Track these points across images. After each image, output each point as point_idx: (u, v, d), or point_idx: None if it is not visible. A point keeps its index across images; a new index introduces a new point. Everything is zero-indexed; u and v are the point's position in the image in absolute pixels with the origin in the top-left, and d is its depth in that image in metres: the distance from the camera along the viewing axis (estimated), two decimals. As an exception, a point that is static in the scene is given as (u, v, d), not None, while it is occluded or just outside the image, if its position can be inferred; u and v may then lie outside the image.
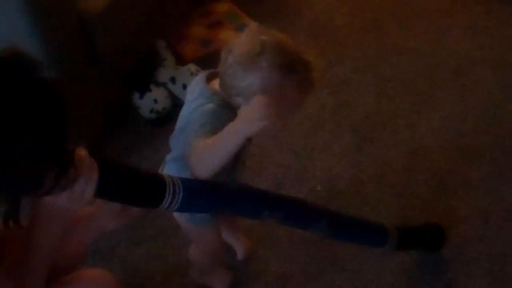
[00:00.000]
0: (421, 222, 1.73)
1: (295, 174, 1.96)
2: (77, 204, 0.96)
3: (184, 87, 2.13)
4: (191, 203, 1.16)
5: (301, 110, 1.26)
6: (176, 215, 1.42)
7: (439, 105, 2.17)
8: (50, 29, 1.67)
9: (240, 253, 1.76)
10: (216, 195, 1.21)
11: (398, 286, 1.69)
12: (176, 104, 2.14)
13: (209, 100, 1.23)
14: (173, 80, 2.14)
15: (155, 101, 2.10)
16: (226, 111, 1.21)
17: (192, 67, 2.17)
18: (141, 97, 2.10)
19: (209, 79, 1.29)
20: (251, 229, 1.80)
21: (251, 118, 1.11)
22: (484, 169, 1.96)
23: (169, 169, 1.37)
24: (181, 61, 2.23)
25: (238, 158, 1.30)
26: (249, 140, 1.32)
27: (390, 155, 2.01)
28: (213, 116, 1.21)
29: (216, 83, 1.27)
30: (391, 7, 2.58)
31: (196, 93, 1.28)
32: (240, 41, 1.20)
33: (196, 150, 1.16)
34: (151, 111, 2.11)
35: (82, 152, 0.96)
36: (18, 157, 0.84)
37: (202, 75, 1.31)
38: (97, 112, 1.99)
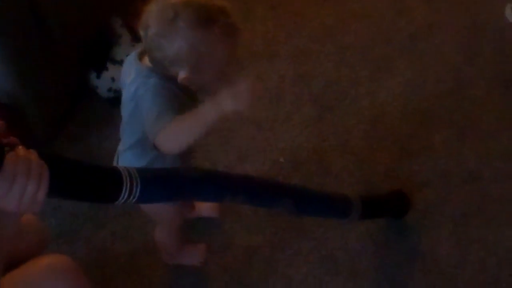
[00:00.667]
0: (385, 190, 1.75)
1: (257, 147, 1.96)
2: (30, 208, 0.92)
3: (141, 64, 2.09)
4: (150, 194, 1.11)
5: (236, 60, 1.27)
6: None
7: (398, 71, 2.18)
8: (1, 11, 1.61)
9: (213, 213, 1.76)
10: (176, 183, 1.17)
11: (364, 252, 1.71)
12: (134, 82, 2.10)
13: (149, 76, 1.21)
14: (129, 57, 2.10)
15: (113, 79, 2.06)
16: (169, 82, 1.20)
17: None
18: (98, 76, 2.06)
19: (140, 58, 1.27)
20: (213, 204, 1.79)
21: (227, 102, 1.12)
22: (445, 132, 1.98)
23: (124, 160, 1.35)
24: (137, 38, 2.17)
25: None
26: None
27: (351, 123, 2.02)
28: (161, 89, 1.19)
29: (147, 61, 1.25)
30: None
31: (132, 74, 1.25)
32: (152, 12, 1.18)
33: (168, 129, 1.14)
34: (109, 90, 2.07)
35: (32, 155, 0.91)
36: None
37: (132, 56, 1.29)
38: (54, 93, 1.95)
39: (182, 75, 1.18)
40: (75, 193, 1.03)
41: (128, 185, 1.06)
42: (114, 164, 1.39)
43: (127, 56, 2.05)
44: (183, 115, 1.15)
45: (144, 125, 1.20)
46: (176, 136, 1.16)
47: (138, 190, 1.07)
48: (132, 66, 1.26)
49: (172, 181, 1.17)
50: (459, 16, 2.36)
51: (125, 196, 1.06)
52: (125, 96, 1.28)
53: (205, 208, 1.76)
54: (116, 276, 1.69)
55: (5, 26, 1.65)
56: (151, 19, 1.17)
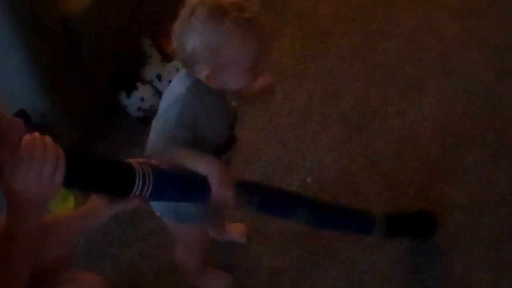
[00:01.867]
0: (412, 209, 1.72)
1: (284, 167, 1.94)
2: (48, 189, 0.95)
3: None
4: (163, 190, 1.14)
5: (267, 57, 1.21)
6: (162, 213, 1.40)
7: (428, 90, 2.15)
8: (33, 31, 1.65)
9: (240, 238, 1.75)
10: (188, 182, 1.18)
11: (393, 276, 1.67)
12: (163, 102, 2.12)
13: (181, 81, 1.22)
14: (159, 77, 2.12)
15: (142, 99, 2.08)
16: (196, 93, 1.19)
17: (178, 63, 2.14)
18: (128, 96, 2.08)
19: None
20: (240, 221, 1.79)
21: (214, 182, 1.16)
22: (477, 153, 1.94)
23: None
24: (166, 58, 2.20)
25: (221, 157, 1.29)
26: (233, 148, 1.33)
27: (380, 144, 1.99)
28: (182, 101, 1.19)
29: None
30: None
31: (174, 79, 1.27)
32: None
33: (162, 140, 1.19)
34: (139, 109, 2.09)
35: (46, 139, 0.96)
36: None
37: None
38: (84, 112, 1.98)
39: (203, 73, 1.17)
40: (89, 182, 1.07)
41: (141, 177, 1.09)
42: None
43: (156, 75, 2.11)
44: (181, 147, 1.17)
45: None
46: (163, 151, 1.19)
47: (152, 183, 1.10)
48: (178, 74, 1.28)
49: (184, 178, 1.19)
50: (491, 34, 2.32)
51: (139, 188, 1.09)
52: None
53: (234, 232, 1.76)
54: (142, 296, 1.70)
55: (39, 48, 1.69)
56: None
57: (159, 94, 2.12)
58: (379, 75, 2.21)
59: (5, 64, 1.72)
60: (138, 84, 2.09)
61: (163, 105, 1.24)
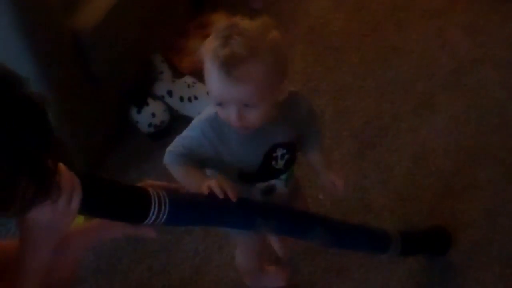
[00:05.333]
0: (425, 226, 1.70)
1: (296, 183, 1.93)
2: (64, 218, 0.93)
3: (181, 99, 2.11)
4: (178, 216, 1.13)
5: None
6: None
7: (441, 106, 2.14)
8: (44, 46, 1.66)
9: (282, 253, 1.73)
10: (205, 207, 1.17)
11: (406, 294, 1.65)
12: (174, 117, 2.12)
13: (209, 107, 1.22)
14: (170, 93, 2.12)
15: (153, 115, 2.08)
16: (215, 123, 1.18)
17: (189, 79, 2.15)
18: (139, 111, 2.08)
19: None
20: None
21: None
22: (490, 170, 1.92)
23: None
24: (177, 74, 2.20)
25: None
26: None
27: (393, 160, 1.98)
28: (195, 127, 1.21)
29: None
30: (388, 9, 2.54)
31: None
32: None
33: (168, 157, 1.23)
34: (149, 125, 2.09)
35: (61, 167, 0.93)
36: None
37: None
38: (94, 128, 1.98)
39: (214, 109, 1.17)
40: (105, 209, 1.06)
41: (157, 204, 1.08)
42: None
43: (167, 91, 2.11)
44: (184, 167, 1.21)
45: None
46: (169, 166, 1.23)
47: (167, 210, 1.09)
48: None
49: (201, 203, 1.17)
50: (503, 50, 2.31)
51: (154, 215, 1.08)
52: None
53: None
54: (152, 312, 1.68)
55: (50, 62, 1.69)
56: None
57: (170, 110, 2.12)
58: (391, 91, 2.20)
59: (15, 78, 1.73)
60: (149, 100, 2.09)
61: None
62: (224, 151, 1.20)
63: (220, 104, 1.11)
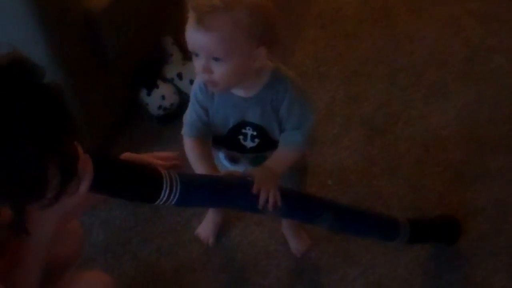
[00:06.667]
0: (435, 215, 1.69)
1: (305, 168, 1.92)
2: (72, 199, 0.94)
3: (191, 82, 2.09)
4: (190, 196, 1.14)
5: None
6: None
7: (453, 94, 2.12)
8: (55, 26, 1.65)
9: (296, 249, 1.73)
10: (215, 188, 1.18)
11: (412, 280, 1.65)
12: (184, 100, 2.11)
13: None
14: (180, 76, 2.11)
15: (163, 97, 2.07)
16: (198, 85, 1.28)
17: (199, 62, 2.14)
18: (148, 94, 2.08)
19: None
20: (260, 223, 1.77)
21: None
22: (501, 159, 1.91)
23: None
24: (188, 56, 2.19)
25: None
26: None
27: (403, 147, 1.96)
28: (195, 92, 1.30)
29: None
30: (402, -4, 2.53)
31: None
32: None
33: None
34: (159, 107, 2.09)
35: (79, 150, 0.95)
36: (20, 162, 0.82)
37: None
38: (105, 110, 1.97)
39: None
40: (116, 189, 1.07)
41: (169, 184, 1.10)
42: None
43: (177, 74, 2.10)
44: (195, 147, 1.30)
45: None
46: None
47: (179, 189, 1.11)
48: None
49: (211, 184, 1.19)
50: (517, 39, 2.29)
51: (166, 195, 1.10)
52: None
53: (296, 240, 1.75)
54: (160, 292, 1.69)
55: (62, 42, 1.68)
56: None
57: (180, 92, 2.12)
58: (402, 78, 2.19)
59: (28, 58, 1.73)
60: (159, 82, 2.09)
61: None
62: (210, 112, 1.28)
63: (194, 54, 1.17)
